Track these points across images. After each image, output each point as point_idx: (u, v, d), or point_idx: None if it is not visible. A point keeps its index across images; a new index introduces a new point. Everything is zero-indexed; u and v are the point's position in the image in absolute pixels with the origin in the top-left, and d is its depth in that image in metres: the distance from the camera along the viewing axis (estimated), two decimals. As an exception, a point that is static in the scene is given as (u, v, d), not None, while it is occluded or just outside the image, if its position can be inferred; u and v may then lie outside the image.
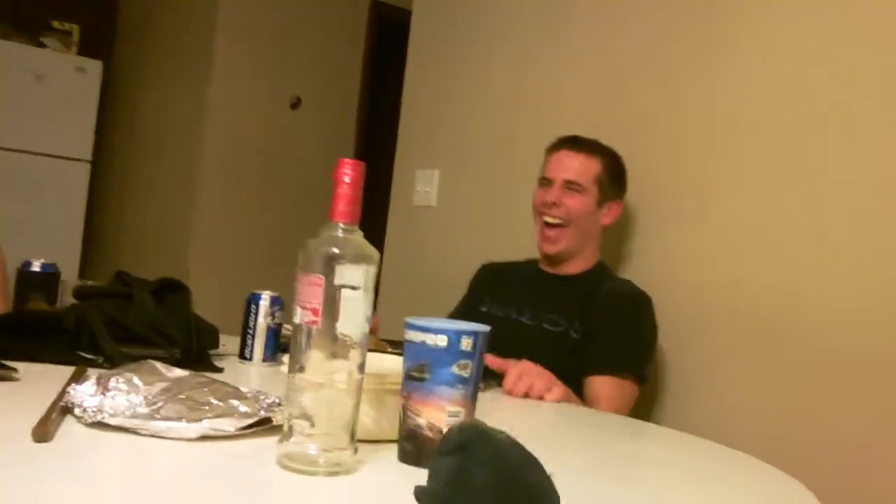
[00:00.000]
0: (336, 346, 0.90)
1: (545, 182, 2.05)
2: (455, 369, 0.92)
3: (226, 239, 4.23)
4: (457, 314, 2.14)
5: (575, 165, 2.02)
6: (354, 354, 0.91)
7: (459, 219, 2.74)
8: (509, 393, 1.56)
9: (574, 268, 2.05)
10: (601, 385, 1.85)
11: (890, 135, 1.77)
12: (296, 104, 4.42)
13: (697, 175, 2.13)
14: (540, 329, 1.96)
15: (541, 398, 1.57)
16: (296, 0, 4.37)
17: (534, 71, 2.58)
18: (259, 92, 4.31)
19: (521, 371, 1.58)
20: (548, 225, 2.02)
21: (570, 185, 2.01)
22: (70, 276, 3.33)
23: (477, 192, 2.69)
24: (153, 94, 4.60)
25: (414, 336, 0.94)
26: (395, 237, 2.97)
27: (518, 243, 2.30)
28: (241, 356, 1.57)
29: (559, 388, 1.60)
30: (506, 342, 1.56)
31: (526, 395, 1.56)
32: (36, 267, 1.58)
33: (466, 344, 0.92)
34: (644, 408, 2.06)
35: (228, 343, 1.59)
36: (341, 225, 0.94)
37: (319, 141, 4.44)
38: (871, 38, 1.82)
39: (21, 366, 1.17)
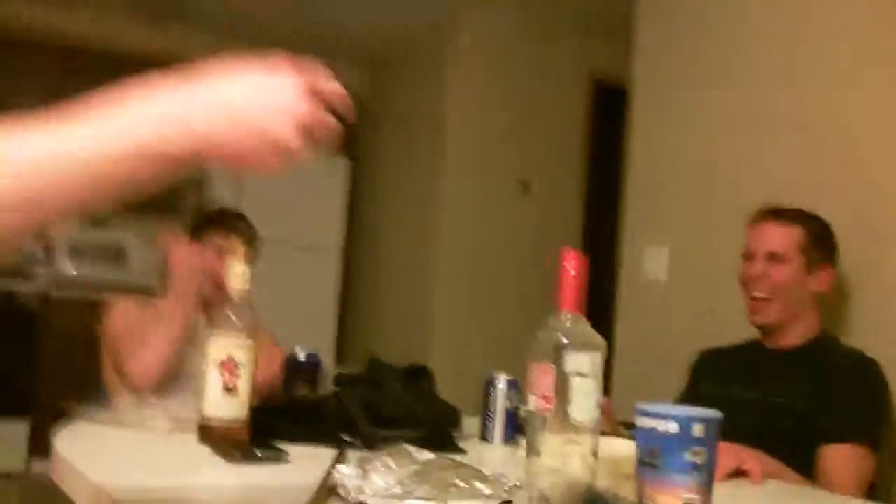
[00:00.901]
0: (569, 432, 0.95)
1: (748, 256, 2.04)
2: (688, 456, 0.93)
3: (464, 323, 4.40)
4: (680, 399, 2.12)
5: (776, 236, 2.00)
6: (587, 439, 0.95)
7: (692, 296, 2.70)
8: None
9: (793, 339, 2.00)
10: (838, 454, 1.79)
11: None
12: (525, 188, 4.56)
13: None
14: (764, 403, 1.91)
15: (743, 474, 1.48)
16: (519, 87, 4.55)
17: (764, 138, 2.53)
18: (488, 178, 4.50)
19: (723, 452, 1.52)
20: (754, 299, 2.01)
21: (772, 257, 1.99)
22: (325, 361, 3.61)
23: (709, 268, 2.64)
24: (394, 185, 4.94)
25: (645, 422, 0.97)
26: (625, 316, 2.97)
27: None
28: (483, 437, 1.65)
29: (764, 468, 1.50)
30: (731, 420, 1.52)
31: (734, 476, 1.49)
32: (301, 357, 1.76)
33: (698, 430, 0.94)
34: (885, 482, 1.94)
35: (468, 424, 1.68)
36: (568, 315, 1.00)
37: (547, 222, 4.54)
38: None
39: (289, 448, 1.32)
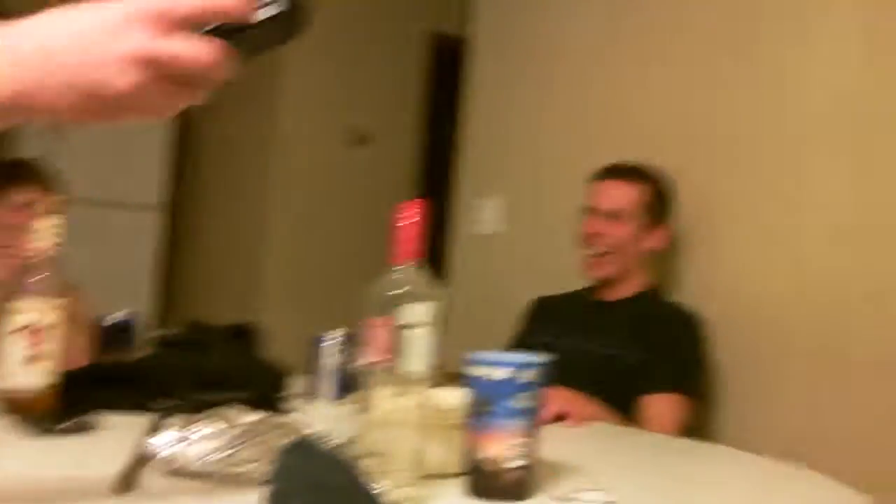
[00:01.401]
0: (402, 384, 0.92)
1: (588, 212, 2.08)
2: (516, 402, 0.93)
3: (296, 279, 4.31)
4: (511, 346, 2.15)
5: (617, 194, 2.05)
6: (420, 391, 0.93)
7: (527, 246, 2.73)
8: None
9: (623, 292, 2.07)
10: (658, 402, 1.87)
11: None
12: (362, 140, 4.48)
13: (756, 188, 2.10)
14: (591, 353, 1.97)
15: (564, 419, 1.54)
16: (354, 40, 4.45)
17: (599, 92, 2.56)
18: (323, 133, 4.40)
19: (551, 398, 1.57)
20: (591, 255, 2.06)
21: (612, 215, 2.03)
22: (144, 325, 3.42)
23: (545, 220, 2.67)
24: (223, 140, 4.74)
25: (475, 370, 0.95)
26: (459, 268, 2.97)
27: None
28: (311, 396, 1.60)
29: (585, 411, 1.60)
30: (561, 370, 1.55)
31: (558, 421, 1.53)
32: (112, 321, 1.64)
33: (527, 376, 0.93)
34: (701, 425, 2.05)
35: (300, 382, 1.62)
36: (403, 266, 0.97)
37: (383, 177, 4.49)
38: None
39: (98, 417, 1.22)
